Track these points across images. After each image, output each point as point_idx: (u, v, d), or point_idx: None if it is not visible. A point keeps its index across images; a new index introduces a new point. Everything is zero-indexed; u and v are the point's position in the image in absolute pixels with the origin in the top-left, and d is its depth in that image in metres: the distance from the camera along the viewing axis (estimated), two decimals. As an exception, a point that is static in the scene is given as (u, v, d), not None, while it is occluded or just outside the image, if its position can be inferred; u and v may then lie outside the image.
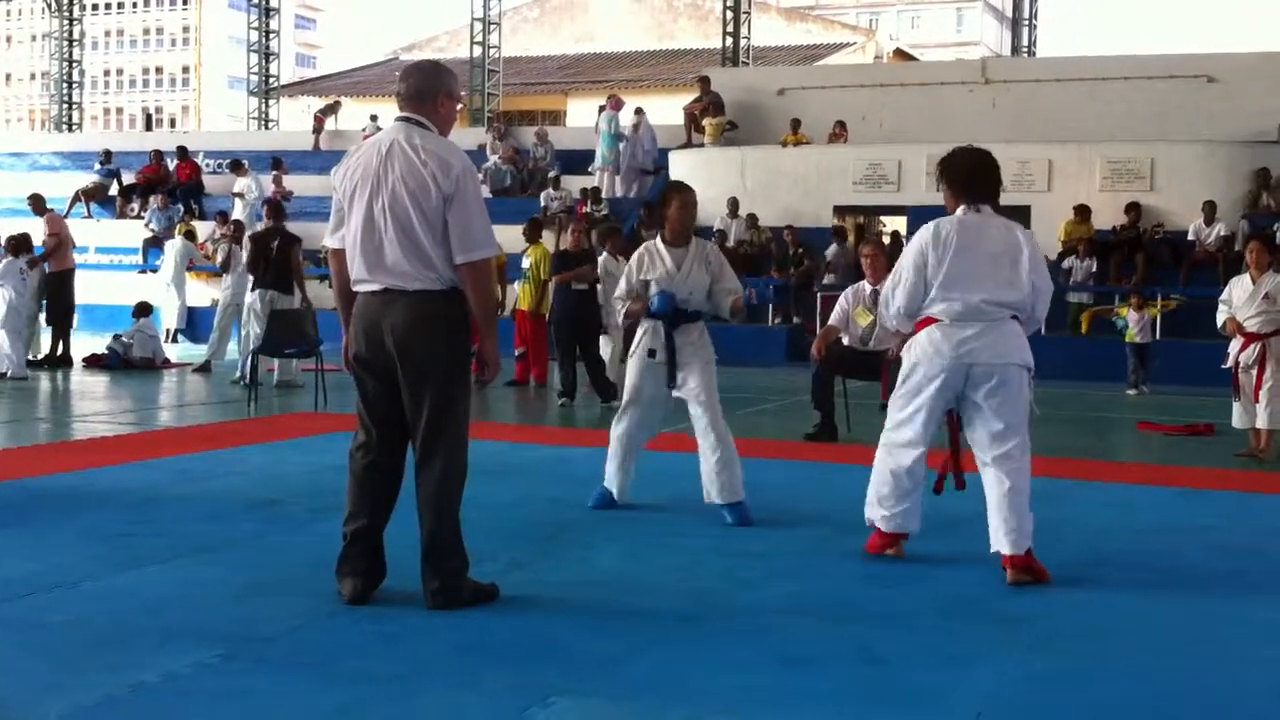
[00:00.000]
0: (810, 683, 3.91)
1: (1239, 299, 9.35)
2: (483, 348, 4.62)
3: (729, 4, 28.61)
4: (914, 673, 4.03)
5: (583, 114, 33.11)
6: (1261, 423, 9.26)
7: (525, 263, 14.03)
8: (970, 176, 5.60)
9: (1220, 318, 9.50)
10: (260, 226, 14.55)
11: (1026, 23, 35.32)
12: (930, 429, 5.46)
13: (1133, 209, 19.06)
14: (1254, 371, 9.23)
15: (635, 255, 6.76)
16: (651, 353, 6.62)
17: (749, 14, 29.05)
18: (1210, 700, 3.85)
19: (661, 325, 6.55)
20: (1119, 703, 3.80)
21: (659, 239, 6.69)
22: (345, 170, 4.67)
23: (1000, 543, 5.20)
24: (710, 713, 3.64)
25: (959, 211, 5.53)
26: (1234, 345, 9.39)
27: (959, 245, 5.36)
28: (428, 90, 4.65)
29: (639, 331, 6.74)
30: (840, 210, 21.86)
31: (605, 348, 12.58)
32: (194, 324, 20.53)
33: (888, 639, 4.39)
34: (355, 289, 4.64)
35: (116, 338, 15.33)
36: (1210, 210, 18.21)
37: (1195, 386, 13.77)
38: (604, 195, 22.29)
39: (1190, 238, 18.36)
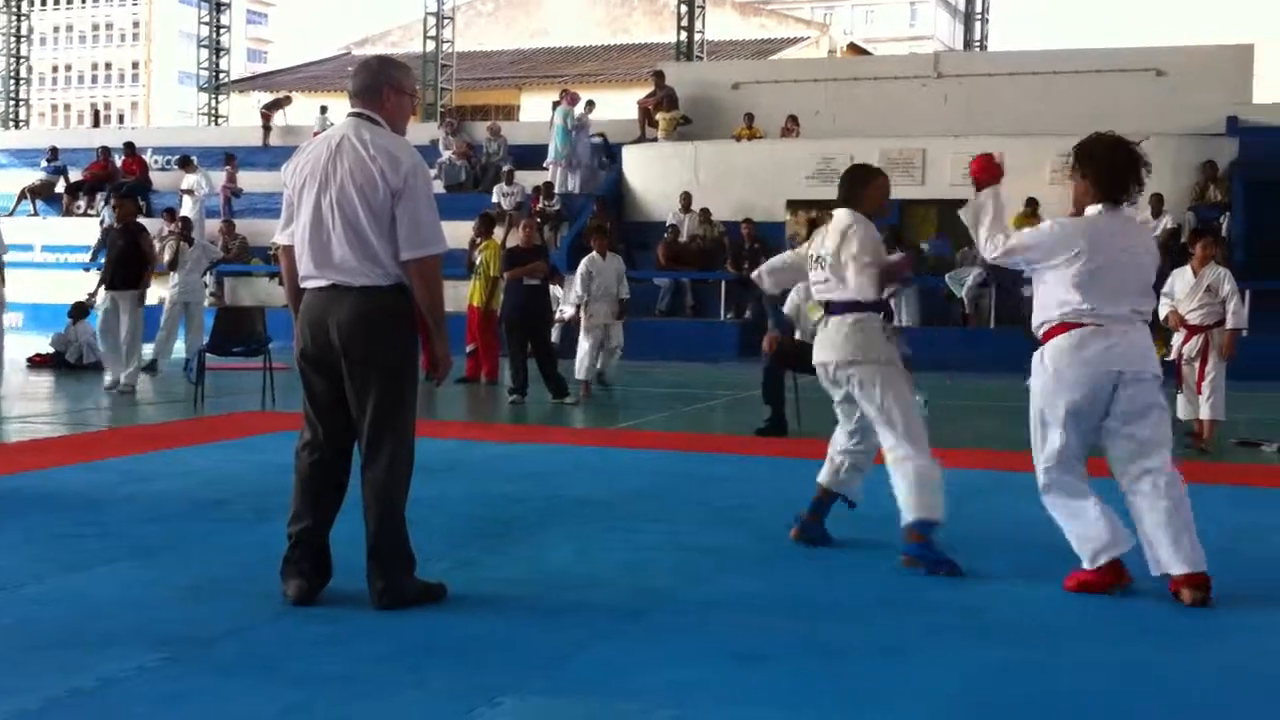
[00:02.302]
0: (759, 677, 3.92)
1: (1181, 292, 9.46)
2: (433, 346, 4.60)
3: (682, -2, 28.64)
4: (863, 665, 4.05)
5: (537, 109, 33.03)
6: (1204, 414, 9.38)
7: (477, 258, 13.99)
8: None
9: (1162, 310, 9.60)
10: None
11: (978, 17, 35.54)
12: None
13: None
14: (1196, 364, 9.35)
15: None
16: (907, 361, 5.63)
17: (703, 8, 29.09)
18: (1155, 689, 3.89)
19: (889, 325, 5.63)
20: (1066, 693, 3.84)
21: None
22: (295, 166, 4.64)
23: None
24: (658, 708, 3.63)
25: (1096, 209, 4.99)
26: (1177, 338, 9.50)
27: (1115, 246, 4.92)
28: (374, 85, 4.63)
29: (876, 336, 5.56)
30: (793, 204, 21.92)
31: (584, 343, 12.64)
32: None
33: (837, 632, 4.41)
34: (303, 285, 4.60)
35: (59, 336, 15.14)
36: (1158, 203, 18.40)
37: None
38: (557, 190, 22.26)
39: (1139, 230, 18.54)
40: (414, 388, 4.63)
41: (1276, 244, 18.06)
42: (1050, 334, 4.91)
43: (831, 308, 5.59)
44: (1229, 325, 9.39)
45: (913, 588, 5.06)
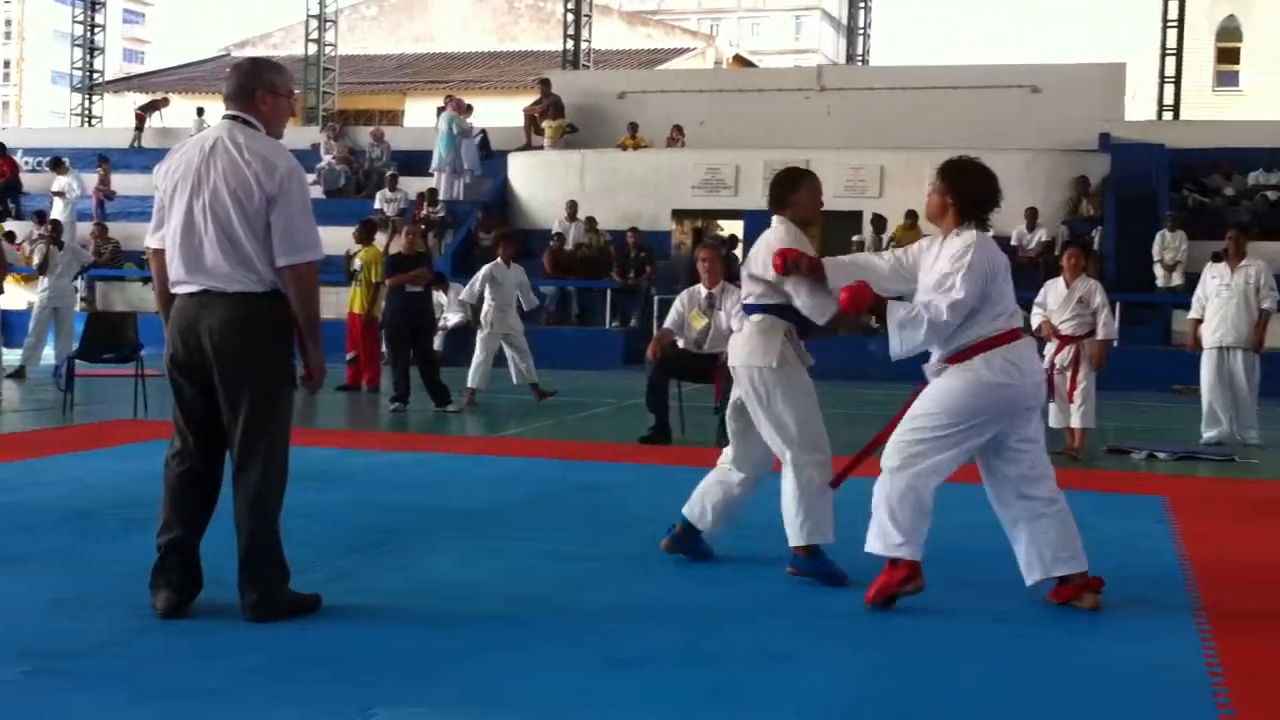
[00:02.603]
0: (636, 683, 3.91)
1: (1054, 303, 9.69)
2: (309, 354, 4.52)
3: (570, 7, 28.64)
4: (739, 671, 4.06)
5: (421, 115, 32.76)
6: (1075, 422, 9.61)
7: (356, 265, 13.80)
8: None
9: (1035, 320, 9.82)
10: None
11: (861, 32, 36.13)
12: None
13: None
14: (1068, 373, 9.57)
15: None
16: (800, 356, 5.45)
17: (590, 17, 29.12)
18: (1033, 695, 3.95)
19: (793, 329, 5.42)
20: (940, 699, 3.88)
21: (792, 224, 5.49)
22: (167, 168, 4.54)
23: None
24: (535, 716, 3.61)
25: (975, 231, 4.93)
26: (1049, 348, 9.72)
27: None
28: (248, 87, 4.53)
29: (766, 340, 5.39)
30: (679, 214, 22.04)
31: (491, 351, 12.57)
32: (9, 328, 19.71)
33: (714, 639, 4.41)
34: (173, 290, 4.50)
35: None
36: (1032, 217, 18.84)
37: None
38: (441, 197, 22.09)
39: (1014, 243, 18.97)
40: (288, 396, 4.54)
41: (1146, 257, 18.61)
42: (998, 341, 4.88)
43: (747, 311, 5.54)
44: (1100, 336, 9.63)
45: (796, 595, 5.09)
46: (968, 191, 4.96)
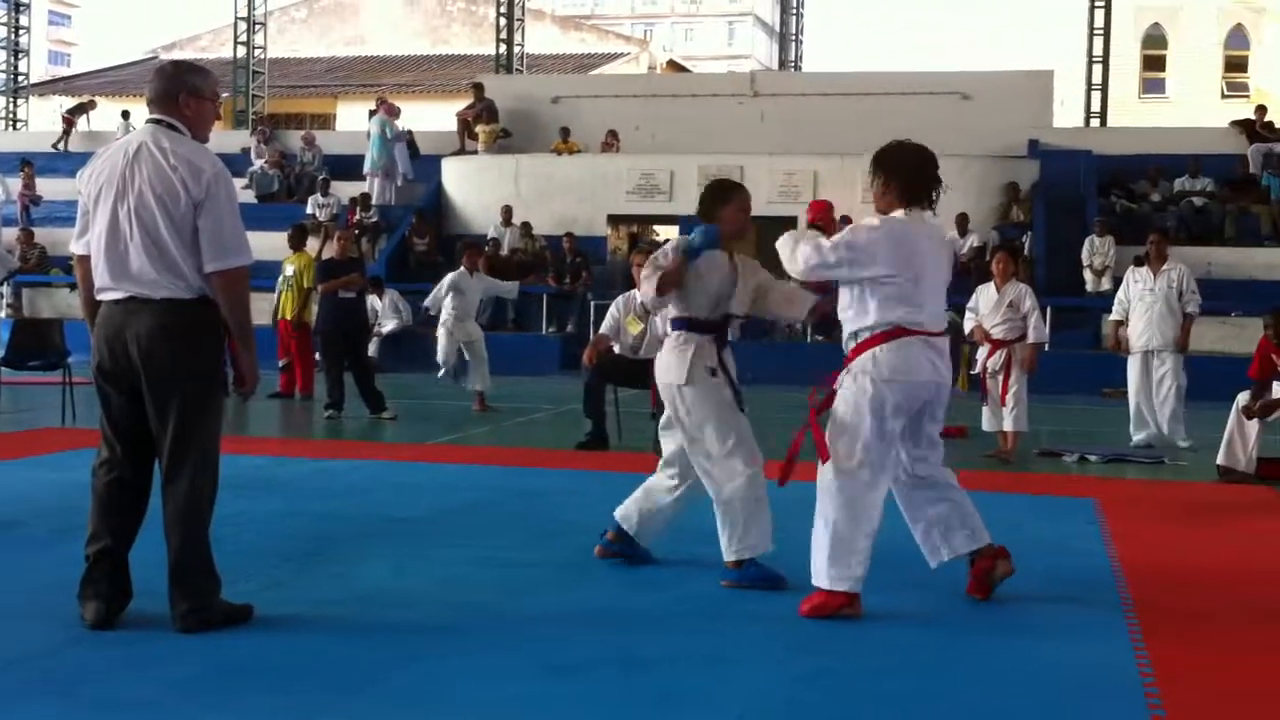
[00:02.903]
0: (573, 689, 3.91)
1: (985, 307, 9.79)
2: (239, 360, 4.46)
3: (503, 11, 28.55)
4: (677, 676, 4.06)
5: (353, 118, 32.50)
6: (1008, 425, 9.71)
7: (288, 270, 13.66)
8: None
9: (968, 325, 9.93)
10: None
11: (793, 38, 36.35)
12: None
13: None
14: (1000, 377, 9.68)
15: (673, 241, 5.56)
16: (713, 370, 5.35)
17: (523, 21, 29.05)
18: (969, 696, 3.98)
19: (708, 342, 5.39)
20: (879, 702, 3.90)
21: None
22: (91, 173, 4.46)
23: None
24: (473, 726, 3.59)
25: (900, 213, 4.94)
26: (981, 352, 9.83)
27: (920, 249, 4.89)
28: (171, 92, 4.48)
29: (677, 357, 5.40)
30: (614, 219, 22.04)
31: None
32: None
33: (652, 643, 4.41)
34: (98, 297, 4.43)
35: None
36: (964, 222, 19.04)
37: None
38: (375, 202, 21.93)
39: (946, 249, 19.16)
40: (218, 403, 4.48)
41: (1075, 262, 18.87)
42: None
43: (670, 327, 5.53)
44: (1030, 340, 9.74)
45: (734, 600, 5.09)
46: (900, 169, 4.97)
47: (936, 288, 4.95)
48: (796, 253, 4.91)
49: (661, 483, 5.64)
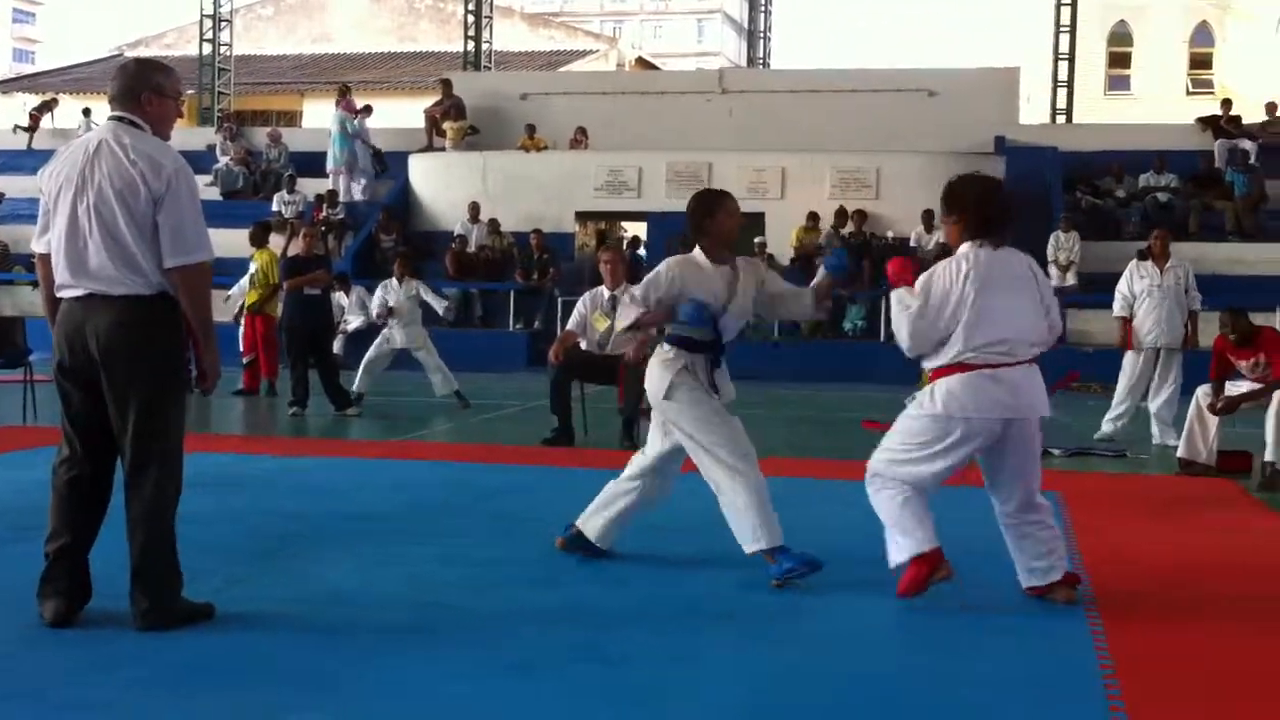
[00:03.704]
0: (540, 686, 3.89)
1: (953, 303, 9.79)
2: (201, 356, 4.43)
3: (471, 8, 28.48)
4: (645, 672, 4.05)
5: (320, 115, 32.34)
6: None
7: (252, 267, 13.58)
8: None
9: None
10: None
11: (761, 35, 36.39)
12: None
13: (859, 216, 19.84)
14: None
15: (667, 265, 5.51)
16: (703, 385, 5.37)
17: (491, 18, 28.98)
18: (933, 690, 3.99)
19: (700, 361, 5.40)
20: (848, 699, 3.91)
21: (698, 251, 5.51)
22: (51, 170, 4.43)
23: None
24: (434, 724, 3.58)
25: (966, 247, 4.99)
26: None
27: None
28: (133, 89, 4.45)
29: (661, 371, 5.40)
30: (582, 216, 22.03)
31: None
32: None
33: (620, 640, 4.40)
34: (59, 295, 4.40)
35: None
36: (929, 219, 19.10)
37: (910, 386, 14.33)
38: (341, 199, 21.85)
39: (912, 245, 19.24)
40: (180, 400, 4.45)
41: (1040, 258, 18.94)
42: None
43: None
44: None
45: (703, 596, 5.07)
46: (969, 207, 5.01)
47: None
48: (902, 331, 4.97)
49: (621, 487, 5.65)
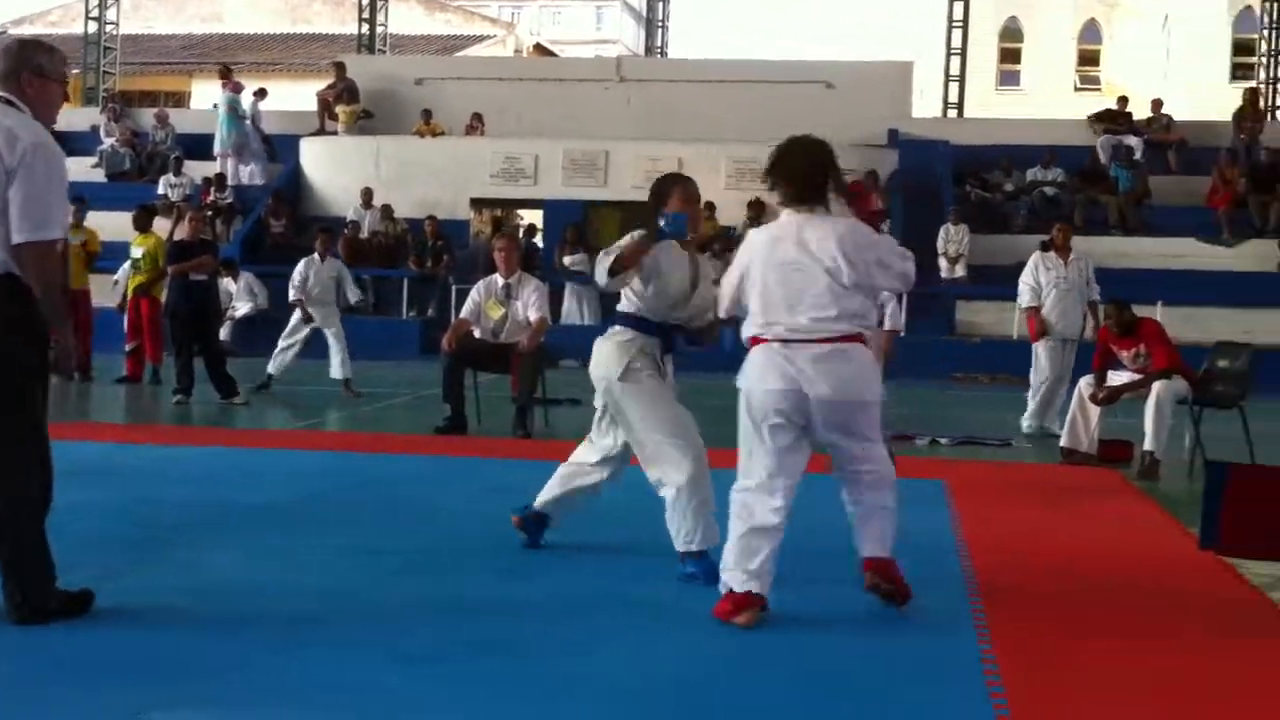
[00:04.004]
0: (429, 679, 3.85)
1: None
2: (58, 337, 4.26)
3: (365, -10, 28.07)
4: (537, 664, 4.03)
5: (209, 96, 31.70)
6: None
7: (137, 253, 13.26)
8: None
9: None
10: None
11: (659, 24, 36.40)
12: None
13: (755, 206, 19.94)
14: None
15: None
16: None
17: (386, 1, 28.61)
18: (814, 683, 4.02)
19: (655, 345, 5.27)
20: (733, 682, 3.93)
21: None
22: None
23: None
24: (322, 716, 3.53)
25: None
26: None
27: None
28: (12, 71, 4.29)
29: (618, 352, 5.23)
30: (478, 203, 21.86)
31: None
32: None
33: (515, 631, 4.37)
34: None
35: None
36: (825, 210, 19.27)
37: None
38: (230, 182, 21.43)
39: (807, 235, 19.35)
40: (37, 384, 4.26)
41: (930, 249, 19.23)
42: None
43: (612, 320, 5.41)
44: (887, 327, 9.84)
45: (601, 589, 5.03)
46: (777, 175, 4.81)
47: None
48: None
49: (585, 476, 5.49)
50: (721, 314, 5.03)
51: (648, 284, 5.19)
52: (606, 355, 5.24)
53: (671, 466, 5.09)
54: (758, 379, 4.61)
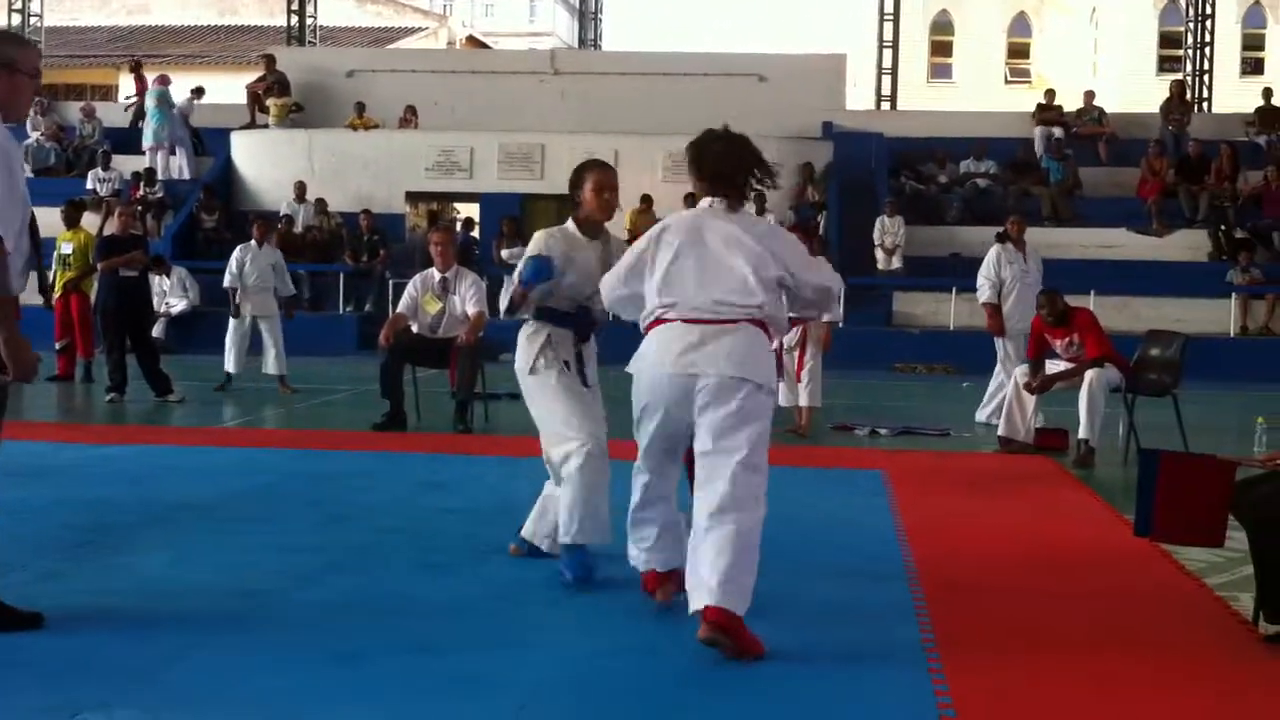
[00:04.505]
0: (360, 676, 3.82)
1: (783, 284, 9.90)
2: (3, 344, 4.15)
3: (295, -18, 27.73)
4: (467, 659, 4.01)
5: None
6: (803, 401, 9.90)
7: (66, 249, 13.01)
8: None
9: (766, 302, 10.04)
10: None
11: (593, 17, 36.32)
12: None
13: (690, 199, 19.96)
14: (795, 353, 9.85)
15: (535, 238, 5.31)
16: (566, 364, 5.18)
17: (316, -7, 28.28)
18: (750, 677, 4.01)
19: (565, 337, 5.23)
20: (667, 675, 3.92)
21: (570, 223, 5.31)
22: None
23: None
24: (251, 715, 3.49)
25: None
26: (779, 328, 9.96)
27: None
28: None
29: (526, 346, 5.26)
30: (413, 196, 21.70)
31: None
32: None
33: (443, 628, 4.35)
34: None
35: None
36: (760, 202, 19.30)
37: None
38: (160, 177, 21.11)
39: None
40: None
41: (866, 241, 19.35)
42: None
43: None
44: (825, 319, 9.90)
45: (530, 585, 5.01)
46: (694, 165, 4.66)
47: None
48: None
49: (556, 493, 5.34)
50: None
51: (563, 276, 5.15)
52: (519, 350, 5.26)
53: (560, 458, 5.03)
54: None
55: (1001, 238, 11.22)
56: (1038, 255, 11.17)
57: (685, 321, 4.33)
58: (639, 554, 4.63)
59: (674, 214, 4.87)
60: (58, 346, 13.00)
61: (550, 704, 3.70)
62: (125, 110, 23.63)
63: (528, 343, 5.24)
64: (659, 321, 4.42)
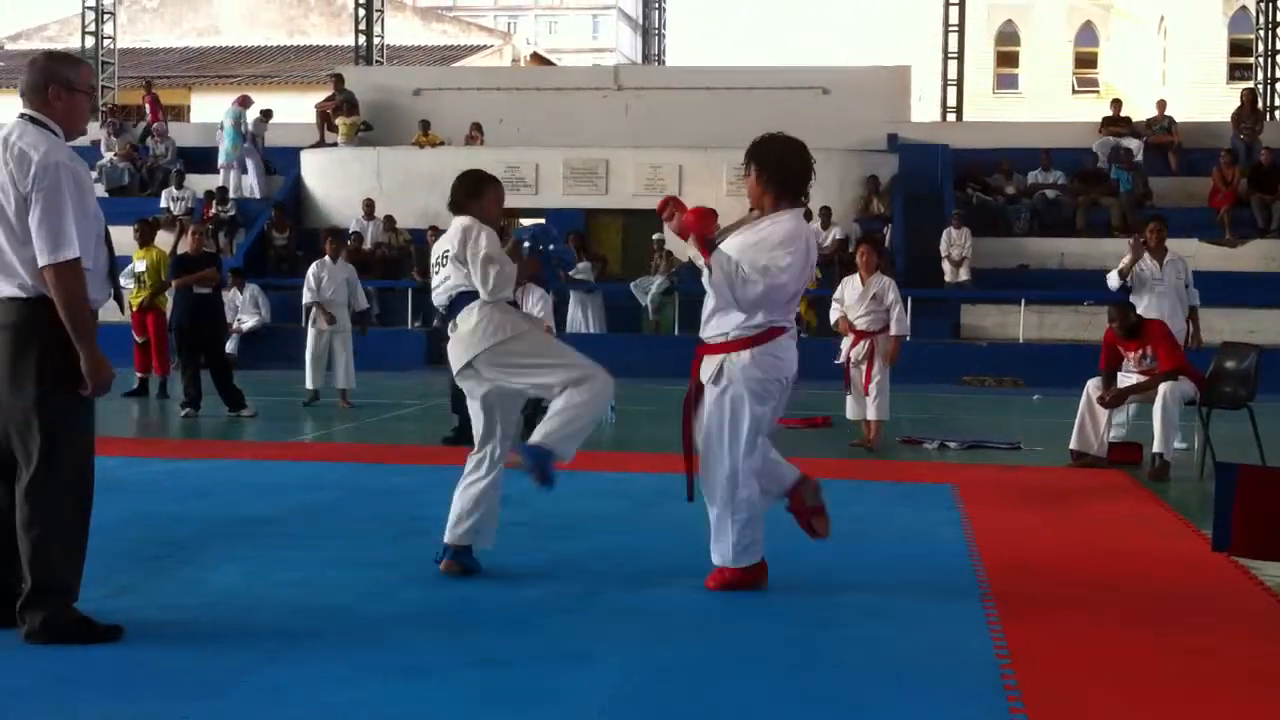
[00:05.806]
0: (428, 691, 3.83)
1: (850, 298, 9.89)
2: (83, 357, 4.23)
3: (361, 1, 28.08)
4: (537, 673, 4.01)
5: (208, 109, 31.71)
6: (871, 415, 9.83)
7: (140, 267, 13.23)
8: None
9: (833, 315, 10.04)
10: None
11: (656, 32, 36.45)
12: None
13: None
14: (864, 367, 9.80)
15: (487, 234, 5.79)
16: None
17: (382, 12, 28.61)
18: (827, 684, 3.99)
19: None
20: (738, 692, 3.89)
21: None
22: None
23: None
24: (323, 732, 3.50)
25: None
26: (845, 342, 9.93)
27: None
28: (39, 84, 4.27)
29: (500, 317, 5.65)
30: (478, 213, 21.83)
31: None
32: None
33: (511, 641, 4.35)
34: None
35: None
36: (826, 215, 19.27)
37: (813, 381, 14.36)
38: (231, 195, 21.42)
39: (810, 241, 19.34)
40: (68, 404, 4.24)
41: (933, 254, 19.21)
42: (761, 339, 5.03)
43: (455, 305, 5.51)
44: (893, 332, 9.87)
45: (594, 595, 5.04)
46: (778, 168, 5.15)
47: None
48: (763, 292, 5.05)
49: (477, 485, 5.51)
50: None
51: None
52: (496, 324, 5.52)
53: (574, 380, 5.31)
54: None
55: (1139, 245, 10.42)
56: (1181, 265, 10.46)
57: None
58: (757, 544, 5.04)
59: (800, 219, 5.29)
60: (138, 340, 13.20)
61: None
62: (142, 140, 23.80)
63: (500, 315, 5.52)
64: (784, 331, 5.08)
